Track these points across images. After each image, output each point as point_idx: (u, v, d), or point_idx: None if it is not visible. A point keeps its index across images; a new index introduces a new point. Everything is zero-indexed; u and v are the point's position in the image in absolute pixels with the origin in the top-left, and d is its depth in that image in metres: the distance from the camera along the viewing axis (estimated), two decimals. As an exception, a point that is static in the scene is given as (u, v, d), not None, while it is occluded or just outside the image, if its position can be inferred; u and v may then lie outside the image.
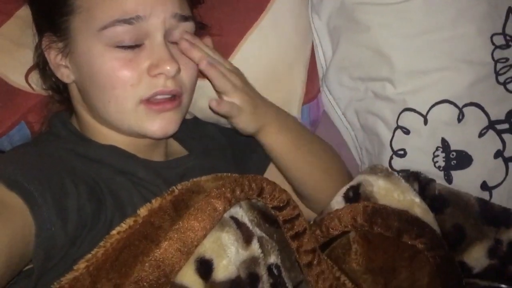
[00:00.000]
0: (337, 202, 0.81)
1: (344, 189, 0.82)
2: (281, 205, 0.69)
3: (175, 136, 0.83)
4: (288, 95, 0.89)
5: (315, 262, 0.70)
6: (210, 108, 0.75)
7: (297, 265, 0.70)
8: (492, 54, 0.83)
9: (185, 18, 0.73)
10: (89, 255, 0.62)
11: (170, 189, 0.67)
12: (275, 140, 0.81)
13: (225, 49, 0.84)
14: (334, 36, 0.93)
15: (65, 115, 0.79)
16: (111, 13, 0.68)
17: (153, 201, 0.66)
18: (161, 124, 0.72)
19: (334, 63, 0.94)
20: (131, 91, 0.70)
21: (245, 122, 0.78)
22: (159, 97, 0.72)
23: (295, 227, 0.70)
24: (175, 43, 0.73)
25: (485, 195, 0.86)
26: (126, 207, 0.70)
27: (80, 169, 0.69)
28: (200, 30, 0.81)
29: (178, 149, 0.86)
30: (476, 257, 0.81)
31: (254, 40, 0.84)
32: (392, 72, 0.86)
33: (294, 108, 0.90)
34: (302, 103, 0.91)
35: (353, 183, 0.82)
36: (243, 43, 0.84)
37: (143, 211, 0.65)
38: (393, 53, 0.86)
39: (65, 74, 0.74)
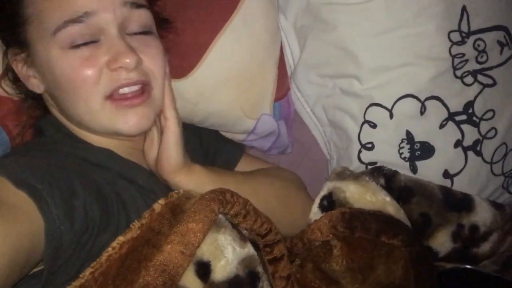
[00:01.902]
0: (314, 214, 0.83)
1: (317, 200, 0.84)
2: (264, 232, 0.70)
3: None
4: (260, 92, 0.91)
5: None
6: None
7: None
8: (449, 50, 0.88)
9: (137, 5, 0.72)
10: (94, 262, 0.62)
11: (169, 195, 0.68)
12: (198, 183, 0.76)
13: (198, 48, 0.85)
14: (301, 35, 0.96)
15: (54, 118, 0.78)
16: (59, 15, 0.68)
17: (154, 206, 0.67)
18: (134, 120, 0.71)
19: (302, 61, 0.96)
20: (94, 89, 0.69)
21: (174, 147, 0.75)
22: (126, 90, 0.70)
23: (274, 252, 0.71)
24: (136, 34, 0.72)
25: (447, 183, 0.91)
26: (131, 211, 0.69)
27: (85, 170, 0.69)
28: (163, 27, 0.81)
29: None
30: (441, 241, 0.87)
31: (226, 39, 0.85)
32: (358, 69, 0.90)
33: (266, 105, 0.92)
34: (274, 100, 0.93)
35: (324, 192, 0.85)
36: (216, 42, 0.85)
37: (145, 217, 0.66)
38: (359, 51, 0.89)
39: (35, 84, 0.74)
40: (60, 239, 0.58)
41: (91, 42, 0.69)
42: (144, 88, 0.72)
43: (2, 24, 0.73)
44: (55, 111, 0.77)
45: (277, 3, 0.96)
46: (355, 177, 0.83)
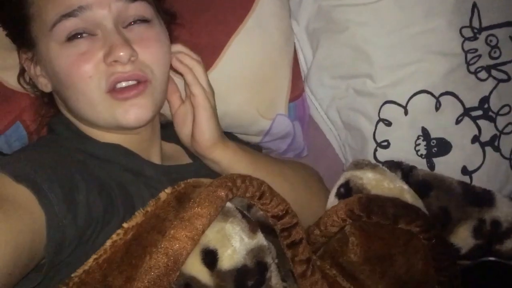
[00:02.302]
0: (331, 202, 0.82)
1: (334, 189, 0.83)
2: (280, 213, 0.70)
3: (175, 140, 0.84)
4: (275, 93, 0.92)
5: (309, 272, 0.71)
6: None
7: (291, 275, 0.70)
8: (462, 45, 0.89)
9: None
10: (99, 249, 0.62)
11: (176, 185, 0.68)
12: (233, 157, 0.80)
13: (213, 50, 0.87)
14: (313, 39, 0.98)
15: (63, 117, 0.79)
16: (56, 10, 0.69)
17: (160, 194, 0.67)
18: (131, 111, 0.71)
19: (315, 64, 0.98)
20: (92, 83, 0.70)
21: (207, 123, 0.77)
22: (123, 84, 0.71)
23: (292, 235, 0.70)
24: (134, 25, 0.72)
25: (465, 179, 0.90)
26: (136, 203, 0.70)
27: (89, 166, 0.69)
28: (170, 21, 0.82)
29: (178, 155, 0.87)
30: (463, 237, 0.84)
31: (241, 40, 0.88)
32: (371, 68, 0.91)
33: (281, 106, 0.93)
34: (289, 100, 0.94)
35: (341, 181, 0.84)
36: (231, 44, 0.87)
37: (149, 206, 0.66)
38: (371, 50, 0.91)
39: (43, 83, 0.76)
40: (63, 233, 0.58)
41: (88, 34, 0.70)
42: (141, 81, 0.72)
43: (10, 25, 0.76)
44: (64, 110, 0.79)
45: (289, 9, 0.98)
46: (373, 166, 0.83)
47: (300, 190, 0.85)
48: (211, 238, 0.63)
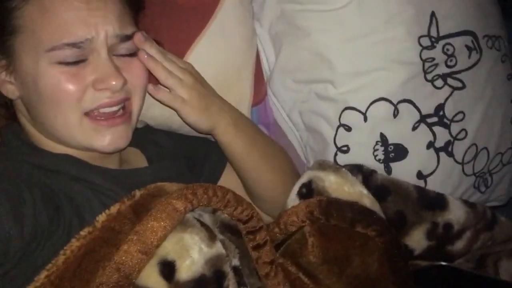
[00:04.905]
0: (292, 200, 0.85)
1: (296, 188, 0.86)
2: (245, 218, 0.72)
3: (136, 143, 0.84)
4: (238, 98, 0.92)
5: (272, 274, 0.73)
6: (149, 93, 0.79)
7: (255, 273, 0.73)
8: (420, 54, 0.91)
9: (127, 37, 0.75)
10: (50, 265, 0.62)
11: (131, 194, 0.68)
12: (230, 140, 0.84)
13: (175, 56, 0.86)
14: (276, 42, 0.98)
15: (18, 127, 0.79)
16: (59, 35, 0.70)
17: (112, 207, 0.67)
18: (111, 139, 0.73)
19: (278, 67, 0.98)
20: (75, 105, 0.71)
21: (194, 118, 0.81)
22: (106, 110, 0.73)
23: (257, 238, 0.73)
24: (122, 55, 0.75)
25: (421, 183, 0.94)
26: (85, 214, 0.70)
27: (35, 178, 0.69)
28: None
29: (136, 158, 0.87)
30: (417, 239, 0.89)
31: (203, 46, 0.87)
32: (333, 73, 0.93)
33: (244, 111, 0.93)
34: (251, 105, 0.95)
35: (303, 180, 0.86)
36: (193, 49, 0.87)
37: (101, 218, 0.66)
38: (333, 56, 0.92)
39: (10, 90, 0.74)
40: (8, 244, 0.59)
41: (80, 61, 0.71)
42: (125, 105, 0.74)
43: None
44: (23, 119, 0.78)
45: (252, 11, 0.98)
46: (335, 169, 0.85)
47: (287, 174, 0.91)
48: (169, 249, 0.64)
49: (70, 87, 0.70)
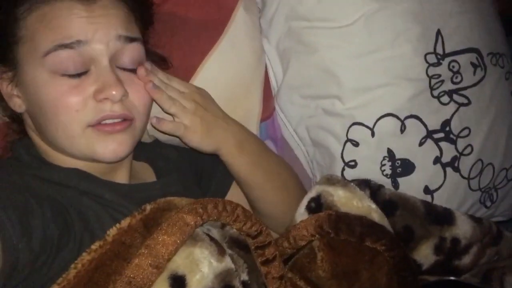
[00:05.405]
0: (301, 214, 0.85)
1: (305, 201, 0.86)
2: (254, 233, 0.72)
3: (145, 157, 0.84)
4: (247, 113, 0.94)
5: None
6: (152, 125, 0.79)
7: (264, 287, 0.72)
8: (426, 71, 0.93)
9: (130, 39, 0.73)
10: (61, 279, 0.62)
11: (142, 208, 0.68)
12: (234, 160, 0.84)
13: (186, 72, 0.87)
14: (284, 58, 0.99)
15: (29, 141, 0.79)
16: (52, 38, 0.69)
17: (122, 221, 0.67)
18: (112, 146, 0.72)
19: (285, 83, 1.00)
20: (76, 116, 0.70)
21: (197, 142, 0.81)
22: (108, 122, 0.72)
23: (266, 253, 0.73)
24: (126, 69, 0.74)
25: (427, 198, 0.95)
26: (95, 228, 0.70)
27: (45, 191, 0.69)
28: (159, 63, 0.83)
29: (145, 172, 0.87)
30: (424, 254, 0.89)
31: (214, 61, 0.89)
32: (340, 89, 0.94)
33: (252, 126, 0.94)
34: (260, 120, 0.96)
35: (312, 194, 0.86)
36: (204, 65, 0.88)
37: (112, 231, 0.66)
38: (340, 72, 0.93)
39: (17, 103, 0.75)
40: (16, 257, 0.58)
41: (82, 73, 0.70)
42: (126, 119, 0.74)
43: None
44: (31, 132, 0.78)
45: (260, 27, 1.00)
46: (344, 183, 0.86)
47: (292, 192, 0.91)
48: (179, 263, 0.64)
49: (71, 99, 0.70)
